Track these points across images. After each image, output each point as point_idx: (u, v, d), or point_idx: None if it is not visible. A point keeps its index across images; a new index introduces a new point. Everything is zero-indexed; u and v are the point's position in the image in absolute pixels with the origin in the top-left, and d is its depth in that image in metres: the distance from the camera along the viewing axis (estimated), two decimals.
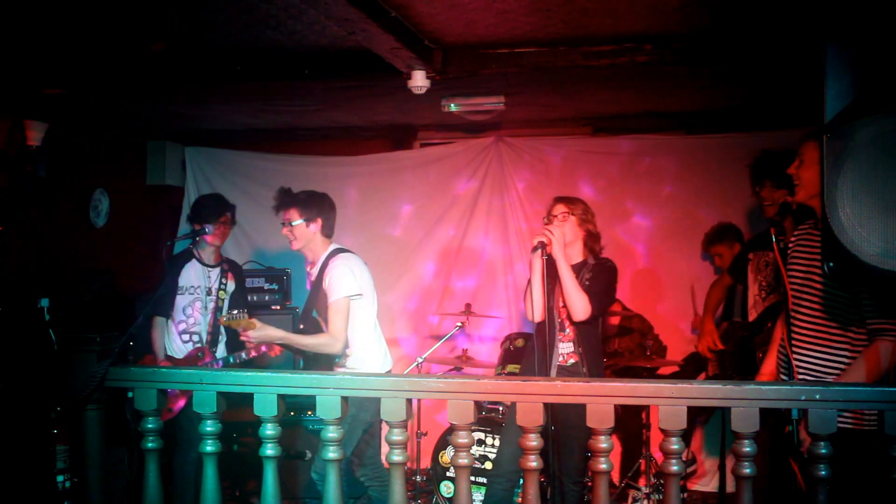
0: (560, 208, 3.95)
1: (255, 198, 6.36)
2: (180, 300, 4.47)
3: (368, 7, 3.15)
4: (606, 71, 4.20)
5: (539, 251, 3.76)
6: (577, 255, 3.95)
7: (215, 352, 4.47)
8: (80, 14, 3.49)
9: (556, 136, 6.14)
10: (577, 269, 3.88)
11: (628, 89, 4.92)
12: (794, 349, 2.88)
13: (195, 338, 4.47)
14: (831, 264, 2.38)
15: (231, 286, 4.65)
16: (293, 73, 4.28)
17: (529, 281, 3.91)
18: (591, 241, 3.99)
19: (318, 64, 4.23)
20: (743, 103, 5.46)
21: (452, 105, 4.92)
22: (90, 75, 4.37)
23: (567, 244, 3.89)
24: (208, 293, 4.53)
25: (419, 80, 4.08)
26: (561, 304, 3.85)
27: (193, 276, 4.50)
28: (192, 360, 4.42)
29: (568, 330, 3.88)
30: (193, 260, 4.52)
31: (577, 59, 3.98)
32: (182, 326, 4.47)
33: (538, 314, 3.83)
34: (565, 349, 3.87)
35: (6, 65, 4.23)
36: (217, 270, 4.60)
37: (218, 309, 4.52)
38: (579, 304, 3.77)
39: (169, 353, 4.47)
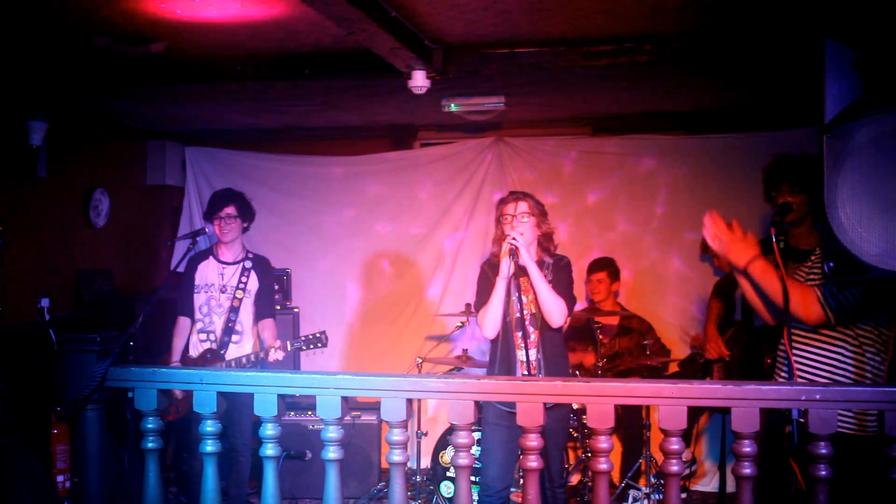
0: (522, 207, 3.70)
1: (254, 198, 6.30)
2: (196, 299, 4.45)
3: (368, 7, 3.16)
4: (606, 71, 4.20)
5: (509, 258, 3.54)
6: (532, 256, 3.71)
7: (224, 353, 4.41)
8: (80, 13, 3.49)
9: (556, 136, 6.14)
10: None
11: (628, 89, 4.92)
12: (795, 349, 2.88)
13: (211, 336, 4.43)
14: (831, 264, 2.38)
15: (254, 285, 4.48)
16: (293, 73, 4.28)
17: (478, 293, 3.76)
18: (546, 241, 3.79)
19: (318, 64, 4.23)
20: (743, 103, 5.46)
21: (452, 105, 4.92)
22: (91, 75, 4.37)
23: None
24: (222, 290, 4.45)
25: (419, 80, 4.08)
26: (523, 312, 3.61)
27: (208, 273, 4.47)
28: (199, 362, 4.41)
29: (533, 336, 3.68)
30: (210, 257, 4.50)
31: (577, 59, 3.98)
32: (199, 325, 4.45)
33: (495, 329, 3.66)
34: (532, 356, 3.67)
35: (7, 65, 4.23)
36: (235, 268, 4.48)
37: (233, 309, 4.41)
38: (556, 309, 3.61)
39: (190, 354, 4.44)
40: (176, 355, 4.47)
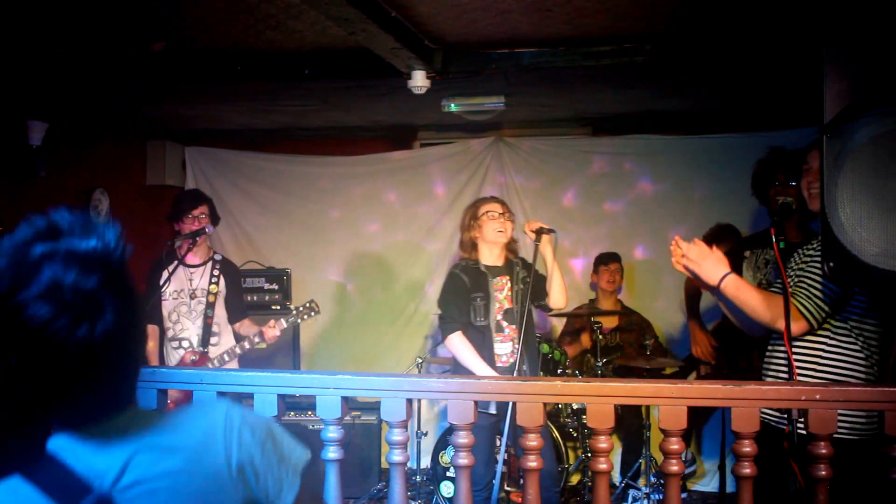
0: (503, 207, 4.08)
1: (255, 198, 6.37)
2: (165, 306, 4.35)
3: (368, 7, 3.15)
4: (606, 71, 4.20)
5: (544, 237, 3.88)
6: (500, 258, 4.07)
7: (207, 352, 4.35)
8: (80, 13, 3.49)
9: (556, 136, 6.14)
10: (509, 271, 4.02)
11: (628, 89, 4.92)
12: (795, 349, 2.88)
13: (185, 343, 4.36)
14: (831, 264, 2.38)
15: (222, 288, 4.46)
16: (293, 73, 4.28)
17: (448, 303, 4.01)
18: (513, 243, 4.14)
19: (318, 64, 4.22)
20: (743, 103, 5.46)
21: (452, 105, 4.91)
22: (91, 75, 4.37)
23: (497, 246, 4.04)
24: (192, 295, 4.39)
25: (419, 80, 4.08)
26: (498, 307, 3.95)
27: (174, 279, 4.35)
28: (184, 365, 4.35)
29: (507, 330, 3.95)
30: (175, 262, 4.36)
31: (577, 59, 3.98)
32: (170, 333, 4.36)
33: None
34: (504, 349, 3.96)
35: (7, 65, 4.22)
36: (202, 269, 4.45)
37: (210, 305, 4.37)
38: (563, 295, 4.00)
39: (168, 363, 4.39)
40: (151, 359, 4.37)
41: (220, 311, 4.44)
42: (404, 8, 3.38)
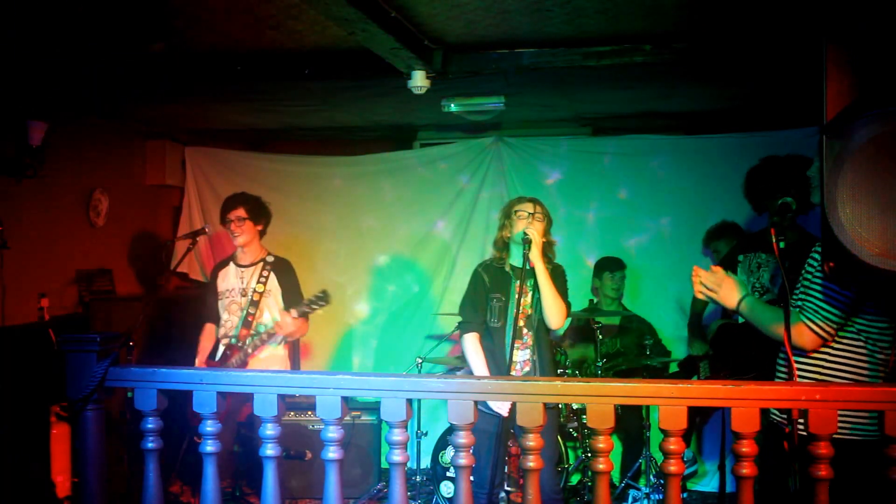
0: (535, 207, 3.85)
1: None
2: (220, 306, 4.58)
3: (368, 7, 3.15)
4: (606, 71, 4.20)
5: (524, 248, 3.68)
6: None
7: (239, 346, 4.52)
8: (80, 13, 3.49)
9: (556, 136, 6.14)
10: (536, 275, 3.79)
11: (628, 89, 4.92)
12: (795, 350, 2.88)
13: (230, 341, 4.52)
14: (831, 264, 2.38)
15: (273, 286, 4.58)
16: (293, 73, 4.28)
17: (467, 297, 3.93)
18: (548, 249, 3.89)
19: (318, 64, 4.23)
20: (743, 104, 5.46)
21: (452, 105, 4.92)
22: (91, 75, 4.37)
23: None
24: (243, 294, 4.56)
25: (419, 80, 4.08)
26: (520, 311, 3.77)
27: (228, 279, 4.59)
28: (222, 360, 4.51)
29: (525, 337, 3.81)
30: (231, 263, 4.61)
31: (577, 59, 3.98)
32: (222, 331, 4.55)
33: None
34: (521, 357, 3.81)
35: (7, 65, 4.23)
36: (252, 269, 4.61)
37: (253, 303, 4.52)
38: (558, 311, 3.74)
39: (216, 359, 4.54)
40: (201, 356, 4.59)
41: (273, 308, 4.54)
42: (404, 8, 3.38)
